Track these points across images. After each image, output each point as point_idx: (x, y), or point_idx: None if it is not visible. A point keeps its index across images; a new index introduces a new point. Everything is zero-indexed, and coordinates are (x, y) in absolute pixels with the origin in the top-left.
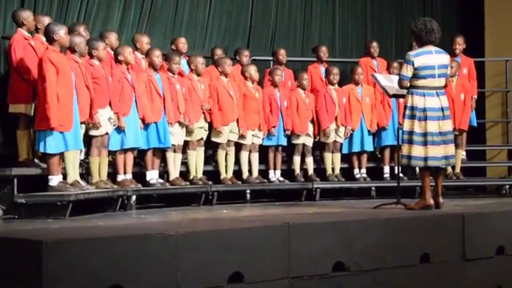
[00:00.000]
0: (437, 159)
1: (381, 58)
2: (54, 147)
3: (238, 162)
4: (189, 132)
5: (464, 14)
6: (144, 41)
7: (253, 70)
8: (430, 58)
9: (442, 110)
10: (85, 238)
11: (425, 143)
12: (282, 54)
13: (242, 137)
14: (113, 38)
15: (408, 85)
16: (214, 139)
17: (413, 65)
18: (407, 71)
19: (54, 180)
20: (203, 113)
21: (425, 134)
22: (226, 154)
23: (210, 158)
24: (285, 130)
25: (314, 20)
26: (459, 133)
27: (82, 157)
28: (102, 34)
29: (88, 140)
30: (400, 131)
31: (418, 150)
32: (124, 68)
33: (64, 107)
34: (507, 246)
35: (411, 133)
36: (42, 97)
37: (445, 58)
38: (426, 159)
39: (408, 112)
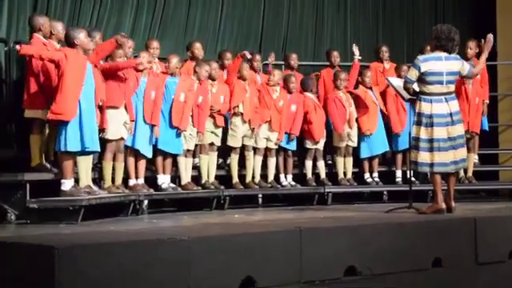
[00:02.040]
0: (444, 165)
1: (391, 62)
2: (72, 145)
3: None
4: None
5: (476, 18)
6: (152, 45)
7: (277, 74)
8: (438, 64)
9: (451, 115)
10: (97, 243)
11: (431, 149)
12: (294, 59)
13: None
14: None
15: (411, 88)
16: (228, 143)
17: (419, 69)
18: (413, 75)
19: (67, 184)
20: (213, 116)
21: (431, 140)
22: (245, 159)
23: (223, 163)
24: (290, 135)
25: (326, 25)
26: (470, 136)
27: (95, 161)
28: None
29: (103, 144)
30: (410, 135)
31: (423, 156)
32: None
33: (69, 97)
34: None
35: (418, 139)
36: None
37: (455, 65)
38: (431, 165)
39: (416, 118)
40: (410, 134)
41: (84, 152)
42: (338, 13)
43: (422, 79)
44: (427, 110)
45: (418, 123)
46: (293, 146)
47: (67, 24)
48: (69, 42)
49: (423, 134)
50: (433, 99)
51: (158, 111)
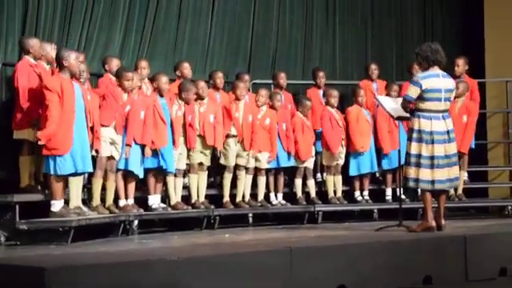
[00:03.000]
0: (442, 182)
1: (380, 80)
2: (62, 169)
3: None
4: (187, 156)
5: (464, 36)
6: (141, 65)
7: (264, 95)
8: (437, 81)
9: (448, 133)
10: (87, 264)
11: (431, 166)
12: (283, 78)
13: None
14: (113, 64)
15: (410, 106)
16: (221, 161)
17: (420, 87)
18: (413, 92)
19: (56, 205)
20: (203, 137)
21: (432, 158)
22: (237, 179)
23: (213, 182)
24: (288, 153)
25: (315, 42)
26: (459, 155)
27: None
28: (104, 61)
29: (94, 162)
30: (400, 153)
31: (425, 173)
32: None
33: (62, 130)
34: (510, 267)
35: (419, 156)
36: (44, 122)
37: (450, 83)
38: (433, 182)
39: (415, 135)
40: (399, 151)
41: (75, 173)
42: (327, 29)
43: (420, 96)
44: (427, 127)
45: (419, 140)
46: (291, 162)
47: (56, 44)
48: (58, 62)
49: (424, 151)
50: (432, 116)
51: (148, 131)
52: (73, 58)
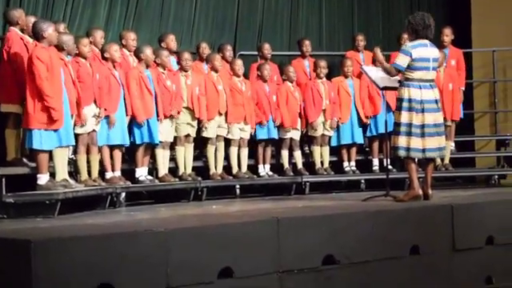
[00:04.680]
0: (433, 150)
1: (367, 51)
2: (48, 143)
3: (227, 157)
4: (175, 128)
5: (450, 5)
6: (130, 37)
7: (239, 65)
8: (425, 50)
9: (436, 102)
10: (73, 236)
11: (423, 135)
12: (267, 49)
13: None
14: (98, 35)
15: (397, 74)
16: (203, 134)
17: (410, 56)
18: (403, 61)
19: (43, 179)
20: (191, 109)
21: (422, 126)
22: (216, 150)
23: (200, 154)
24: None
25: (301, 14)
26: (452, 123)
27: (71, 155)
28: (88, 32)
29: (75, 138)
30: (387, 122)
31: (416, 142)
32: (110, 65)
33: (58, 103)
34: (496, 236)
35: (410, 125)
36: (32, 94)
37: (436, 52)
38: (424, 151)
39: (406, 104)
40: (386, 122)
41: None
42: (314, 0)
43: (409, 65)
44: (417, 96)
45: (409, 109)
46: (276, 134)
47: (40, 17)
48: (36, 33)
49: (415, 119)
50: (421, 85)
51: (134, 102)
52: (52, 29)
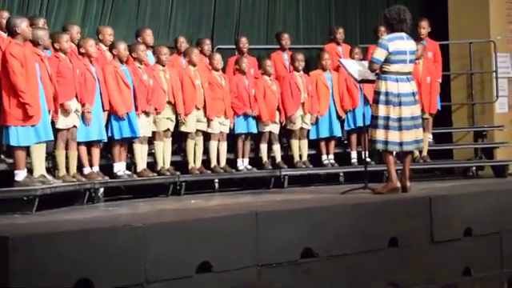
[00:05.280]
0: (410, 143)
1: (345, 44)
2: (25, 140)
3: (206, 151)
4: (154, 122)
5: None
6: (107, 32)
7: (217, 59)
8: (402, 43)
9: (413, 94)
10: (51, 232)
11: (400, 128)
12: (243, 43)
13: (209, 125)
14: (74, 30)
15: (378, 68)
16: (181, 129)
17: (387, 49)
18: (380, 55)
19: (20, 175)
20: (172, 103)
21: (399, 119)
22: (195, 144)
23: (178, 149)
24: (254, 118)
25: (278, 7)
26: (430, 116)
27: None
28: (64, 27)
29: (54, 133)
30: (365, 116)
31: (394, 135)
32: (86, 60)
33: (35, 99)
34: (474, 227)
35: (387, 118)
36: (7, 91)
37: (413, 44)
38: (401, 144)
39: (383, 98)
40: (364, 115)
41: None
42: None
43: (386, 59)
44: (394, 89)
45: (386, 102)
46: (255, 128)
47: (16, 13)
48: (9, 29)
49: (392, 113)
50: (398, 78)
51: (113, 96)
52: (25, 25)
